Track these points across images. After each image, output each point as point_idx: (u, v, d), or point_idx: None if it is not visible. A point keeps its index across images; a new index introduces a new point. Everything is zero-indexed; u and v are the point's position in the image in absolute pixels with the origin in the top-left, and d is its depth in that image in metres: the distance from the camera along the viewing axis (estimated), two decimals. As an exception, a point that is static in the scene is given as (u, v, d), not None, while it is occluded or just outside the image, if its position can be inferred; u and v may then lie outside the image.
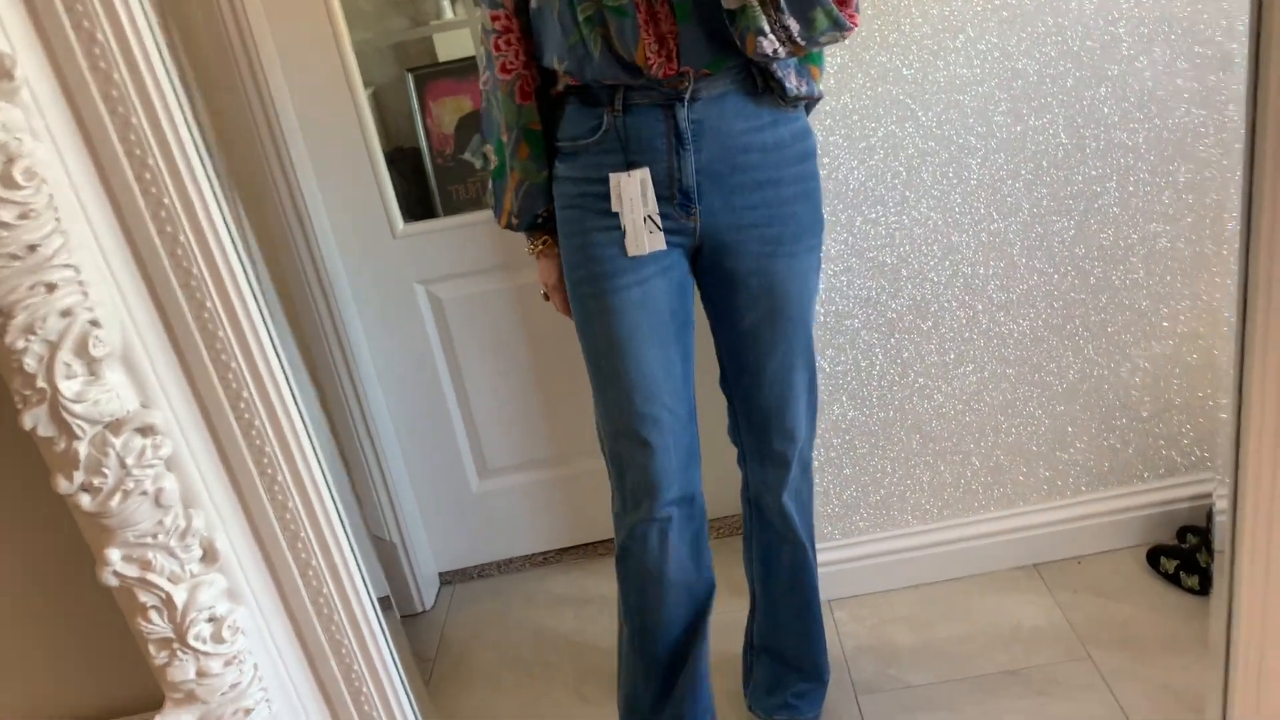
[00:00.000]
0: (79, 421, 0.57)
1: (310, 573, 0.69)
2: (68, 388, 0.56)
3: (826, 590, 2.08)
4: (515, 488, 2.36)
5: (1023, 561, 2.08)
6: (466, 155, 2.19)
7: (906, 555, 2.08)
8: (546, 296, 1.57)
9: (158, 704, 1.03)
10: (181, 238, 0.66)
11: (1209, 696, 1.06)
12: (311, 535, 0.68)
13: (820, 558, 2.05)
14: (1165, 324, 1.91)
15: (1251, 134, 0.83)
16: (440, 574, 2.44)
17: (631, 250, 1.37)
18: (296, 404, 0.67)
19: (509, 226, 1.50)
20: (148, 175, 0.67)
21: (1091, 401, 1.97)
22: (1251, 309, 0.85)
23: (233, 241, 0.69)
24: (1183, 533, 2.01)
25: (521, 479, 2.36)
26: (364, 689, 0.74)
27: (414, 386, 2.25)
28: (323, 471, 0.68)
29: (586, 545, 2.43)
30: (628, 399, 1.44)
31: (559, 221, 1.45)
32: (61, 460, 0.58)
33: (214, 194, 0.69)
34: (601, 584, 2.32)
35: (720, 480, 1.97)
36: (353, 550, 0.71)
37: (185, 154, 0.66)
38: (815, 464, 2.00)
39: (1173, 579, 1.94)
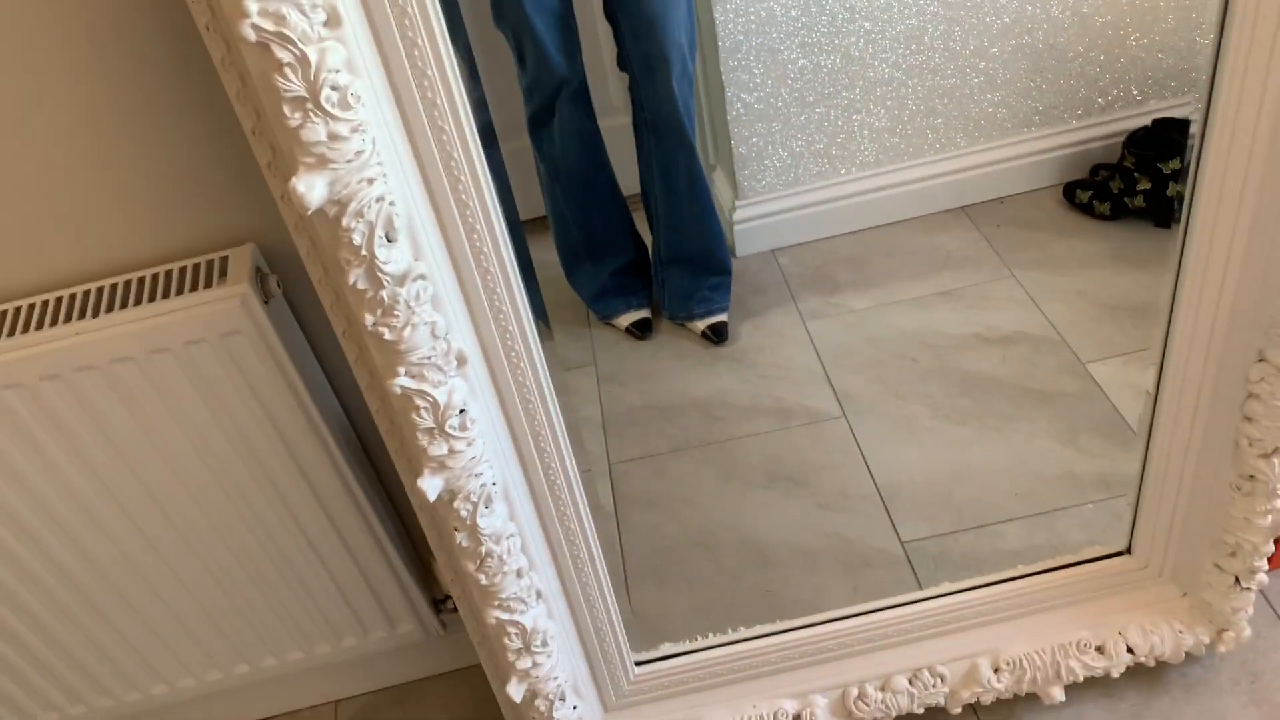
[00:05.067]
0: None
1: (426, 83, 0.74)
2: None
3: (771, 240, 2.21)
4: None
5: (951, 204, 2.23)
6: None
7: (846, 202, 2.21)
8: None
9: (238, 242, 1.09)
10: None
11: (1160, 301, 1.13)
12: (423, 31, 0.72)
13: (765, 208, 2.18)
14: (1097, -39, 1.99)
15: None
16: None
17: None
18: None
19: None
20: None
21: (1023, 43, 2.07)
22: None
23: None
24: (1095, 169, 2.18)
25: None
26: (470, 203, 0.81)
27: None
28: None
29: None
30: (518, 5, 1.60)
31: None
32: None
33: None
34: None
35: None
36: (466, 64, 0.76)
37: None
38: (765, 114, 2.07)
39: (1086, 208, 2.12)
